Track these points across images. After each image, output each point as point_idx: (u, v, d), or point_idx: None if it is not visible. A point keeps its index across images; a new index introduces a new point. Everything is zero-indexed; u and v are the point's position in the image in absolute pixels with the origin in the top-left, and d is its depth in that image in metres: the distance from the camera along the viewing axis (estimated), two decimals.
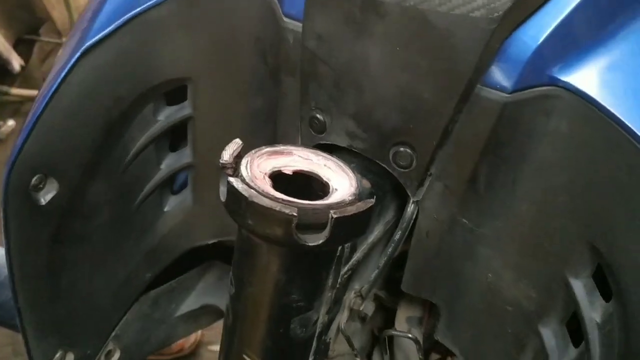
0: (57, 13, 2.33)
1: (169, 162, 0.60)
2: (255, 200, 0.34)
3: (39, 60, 2.50)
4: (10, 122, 2.20)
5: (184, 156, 0.60)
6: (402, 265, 0.53)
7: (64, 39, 2.27)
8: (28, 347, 0.61)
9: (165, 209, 0.63)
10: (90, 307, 0.64)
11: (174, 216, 0.63)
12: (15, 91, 2.22)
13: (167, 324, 0.73)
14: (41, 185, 0.54)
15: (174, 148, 0.61)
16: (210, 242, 0.66)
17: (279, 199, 0.34)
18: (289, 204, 0.34)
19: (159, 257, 0.65)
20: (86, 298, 0.63)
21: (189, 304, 0.74)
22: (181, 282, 0.72)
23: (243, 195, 0.34)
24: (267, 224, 0.34)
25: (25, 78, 2.34)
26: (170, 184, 0.64)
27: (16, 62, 2.17)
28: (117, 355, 0.69)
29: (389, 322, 0.63)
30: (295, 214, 0.33)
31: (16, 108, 2.32)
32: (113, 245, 0.62)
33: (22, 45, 2.34)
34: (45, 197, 0.54)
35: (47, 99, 0.51)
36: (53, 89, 0.51)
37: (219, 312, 0.76)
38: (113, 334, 0.68)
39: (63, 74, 0.51)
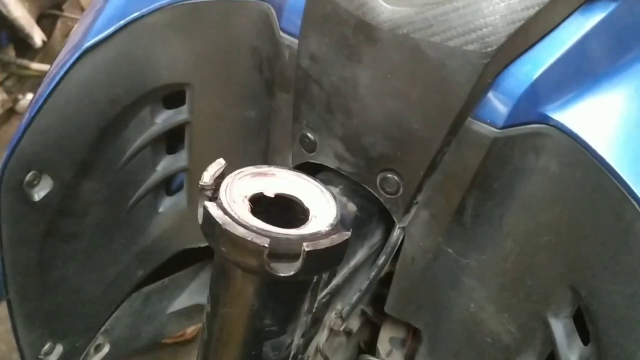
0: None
1: (165, 165, 0.60)
2: (229, 228, 0.34)
3: (62, 35, 2.51)
4: (29, 96, 2.22)
5: (180, 159, 0.60)
6: (389, 283, 0.53)
7: None
8: (17, 338, 0.62)
9: (160, 210, 0.63)
10: (79, 301, 0.65)
11: (168, 218, 0.64)
12: (36, 66, 2.22)
13: (158, 321, 0.73)
14: (35, 182, 0.55)
15: (171, 151, 0.61)
16: (203, 245, 0.66)
17: (253, 227, 0.34)
18: (262, 233, 0.34)
19: (151, 256, 0.66)
20: (76, 293, 0.64)
21: (181, 301, 0.75)
22: (174, 280, 0.73)
23: (217, 222, 0.34)
24: (239, 253, 0.34)
25: (46, 53, 2.36)
26: (166, 186, 0.64)
27: (38, 37, 2.17)
28: (106, 349, 0.70)
29: (375, 336, 0.63)
30: (266, 245, 0.33)
31: (35, 82, 2.33)
32: (105, 243, 0.63)
33: (45, 20, 2.35)
34: (39, 193, 0.55)
35: (44, 97, 0.52)
36: (50, 87, 0.52)
37: None
38: (103, 328, 0.69)
39: (62, 73, 0.52)
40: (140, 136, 0.57)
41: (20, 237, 0.57)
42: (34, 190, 0.55)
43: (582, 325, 0.43)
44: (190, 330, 1.53)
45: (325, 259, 0.36)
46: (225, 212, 0.35)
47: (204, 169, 0.60)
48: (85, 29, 0.54)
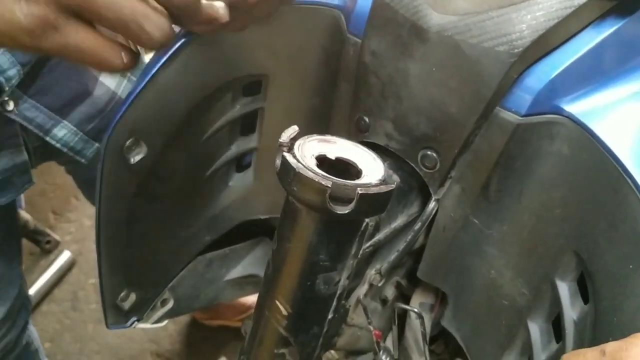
0: None
1: (239, 144, 0.71)
2: (301, 172, 0.43)
3: None
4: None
5: (252, 140, 0.71)
6: (420, 257, 0.62)
7: None
8: (101, 283, 0.73)
9: (230, 184, 0.74)
10: (154, 257, 0.76)
11: (236, 191, 0.74)
12: None
13: (216, 285, 0.84)
14: (133, 147, 0.66)
15: (243, 132, 0.72)
16: (263, 217, 0.76)
17: (319, 174, 0.44)
18: (326, 178, 0.44)
19: (218, 224, 0.76)
20: (152, 249, 0.75)
21: (237, 271, 0.85)
22: (233, 251, 0.83)
23: (292, 167, 0.44)
24: (308, 192, 0.43)
25: None
26: (236, 163, 0.75)
27: None
28: (170, 303, 0.80)
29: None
30: (329, 186, 0.43)
31: None
32: (181, 207, 0.73)
33: None
34: (135, 157, 0.66)
35: (147, 78, 0.63)
36: (154, 71, 0.63)
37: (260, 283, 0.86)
38: (170, 284, 0.79)
39: (164, 59, 0.63)
40: (220, 117, 0.68)
41: (115, 194, 0.68)
42: (131, 154, 0.66)
43: (583, 289, 0.51)
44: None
45: (374, 204, 0.45)
46: (299, 161, 0.45)
47: (272, 149, 0.71)
48: None
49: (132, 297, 0.75)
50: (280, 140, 0.47)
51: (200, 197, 0.73)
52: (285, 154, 0.46)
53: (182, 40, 0.62)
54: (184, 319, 1.72)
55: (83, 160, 0.94)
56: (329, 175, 0.44)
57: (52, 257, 1.90)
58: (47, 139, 0.89)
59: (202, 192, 0.73)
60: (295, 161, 0.45)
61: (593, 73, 0.48)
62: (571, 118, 0.48)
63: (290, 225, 0.48)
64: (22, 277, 1.05)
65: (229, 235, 0.80)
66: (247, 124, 0.72)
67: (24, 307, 1.05)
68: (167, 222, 0.73)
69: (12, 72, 0.77)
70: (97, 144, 0.95)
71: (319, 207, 0.44)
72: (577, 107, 0.48)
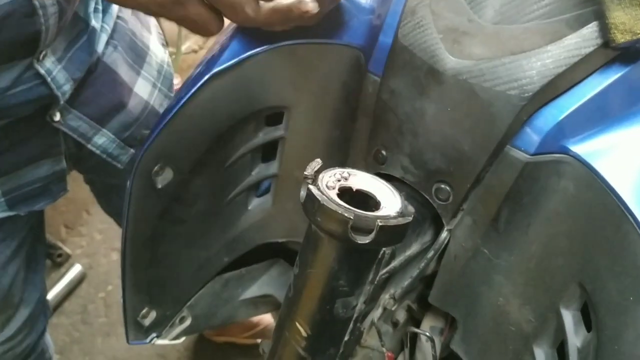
0: (168, 25, 2.58)
1: (259, 171, 0.75)
2: (325, 203, 0.47)
3: None
4: None
5: (272, 167, 0.74)
6: (432, 284, 0.65)
7: (170, 49, 2.51)
8: (124, 299, 0.76)
9: (249, 208, 0.77)
10: (175, 277, 0.79)
11: (255, 215, 0.78)
12: None
13: (232, 304, 0.87)
14: (160, 172, 0.69)
15: (264, 160, 0.76)
16: (280, 240, 0.79)
17: (341, 206, 0.47)
18: (348, 210, 0.47)
19: (237, 246, 0.79)
20: (174, 269, 0.78)
21: (253, 291, 0.88)
22: (250, 271, 0.86)
23: (317, 199, 0.47)
24: (330, 222, 0.47)
25: None
26: (256, 188, 0.78)
27: None
28: (188, 321, 0.83)
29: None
30: (352, 217, 0.46)
31: None
32: (203, 230, 0.77)
33: None
34: (162, 182, 0.69)
35: (177, 108, 0.67)
36: (183, 101, 0.67)
37: (276, 303, 0.89)
38: (189, 303, 0.82)
39: (193, 90, 0.67)
40: (244, 145, 0.72)
41: (141, 215, 0.71)
42: (159, 178, 0.69)
43: (587, 318, 0.54)
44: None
45: (392, 235, 0.48)
46: (322, 193, 0.49)
47: (291, 176, 0.75)
48: (212, 58, 0.69)
49: (153, 314, 0.79)
50: (305, 173, 0.51)
51: (221, 220, 0.76)
52: (310, 186, 0.49)
53: (211, 73, 0.66)
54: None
55: (119, 166, 1.01)
56: (350, 207, 0.48)
57: (63, 270, 1.93)
58: (89, 146, 0.95)
59: (223, 215, 0.76)
60: (319, 193, 0.48)
61: (599, 116, 0.52)
62: (577, 158, 0.51)
63: (312, 252, 0.52)
64: (44, 283, 1.09)
65: (245, 256, 0.84)
66: (268, 150, 0.75)
67: (43, 313, 1.09)
68: (189, 243, 0.76)
69: (66, 87, 0.84)
70: (132, 150, 1.01)
71: (341, 237, 0.47)
72: (582, 147, 0.51)
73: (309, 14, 0.53)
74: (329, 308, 0.53)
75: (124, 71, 0.98)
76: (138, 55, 1.01)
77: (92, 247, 2.06)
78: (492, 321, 0.61)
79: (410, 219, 0.49)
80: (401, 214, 0.50)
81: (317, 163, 0.52)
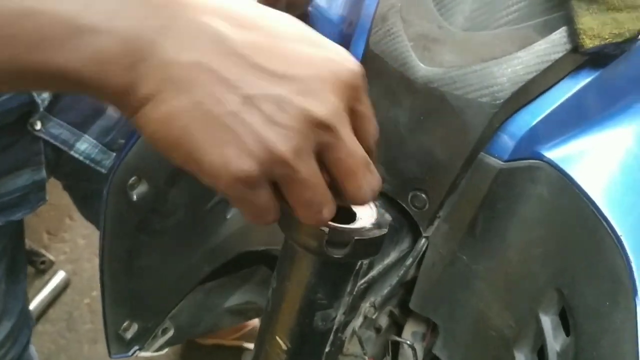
0: None
1: None
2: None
3: None
4: None
5: None
6: (412, 289, 0.65)
7: None
8: (104, 314, 0.76)
9: (228, 217, 0.77)
10: (156, 288, 0.78)
11: (234, 223, 0.77)
12: None
13: (215, 313, 0.86)
14: (135, 185, 0.69)
15: None
16: (260, 249, 0.79)
17: None
18: (324, 225, 0.47)
19: (217, 255, 0.79)
20: (154, 281, 0.78)
21: (236, 299, 0.87)
22: (231, 279, 0.86)
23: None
24: (306, 237, 0.46)
25: None
26: None
27: None
28: (171, 332, 0.83)
29: (400, 336, 0.75)
30: (327, 232, 0.46)
31: None
32: (182, 240, 0.76)
33: None
34: (137, 194, 0.69)
35: None
36: None
37: (258, 309, 0.89)
38: (170, 314, 0.82)
39: None
40: None
41: (118, 229, 0.71)
42: (134, 191, 0.69)
43: (565, 322, 0.54)
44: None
45: (367, 248, 0.48)
46: None
47: None
48: None
49: (134, 327, 0.78)
50: None
51: (200, 230, 0.76)
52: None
53: None
54: None
55: (103, 170, 1.00)
56: None
57: (47, 278, 1.91)
58: (72, 152, 0.95)
59: (202, 225, 0.76)
60: None
61: (571, 121, 0.52)
62: (550, 163, 0.51)
63: (289, 266, 0.51)
64: (25, 294, 1.08)
65: (227, 264, 0.83)
66: None
67: (26, 324, 1.08)
68: (169, 255, 0.76)
69: (45, 94, 0.82)
70: (114, 154, 1.01)
71: (317, 251, 0.47)
72: (555, 153, 0.51)
73: None
74: (308, 321, 0.52)
75: None
76: None
77: (75, 253, 2.04)
78: (473, 326, 0.61)
79: (386, 230, 0.49)
80: (377, 225, 0.50)
81: None
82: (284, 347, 0.54)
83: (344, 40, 0.61)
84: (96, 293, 1.93)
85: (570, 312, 0.52)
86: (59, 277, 1.91)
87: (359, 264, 0.52)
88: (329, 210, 0.40)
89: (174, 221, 0.73)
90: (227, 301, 0.87)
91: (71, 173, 1.06)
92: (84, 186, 1.17)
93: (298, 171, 0.36)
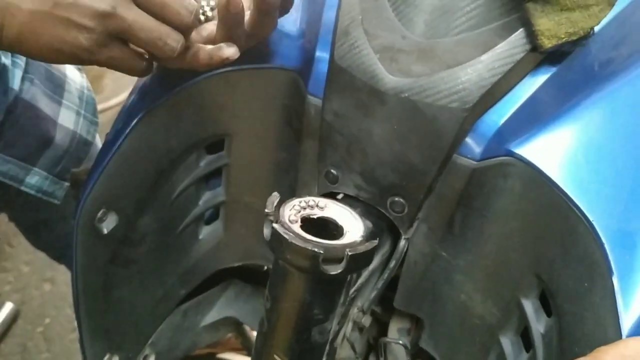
0: None
1: (206, 199, 0.74)
2: (294, 241, 0.47)
3: None
4: None
5: (218, 195, 0.74)
6: (394, 286, 0.67)
7: None
8: (83, 349, 0.74)
9: (200, 237, 0.76)
10: (133, 318, 0.77)
11: (207, 243, 0.77)
12: None
13: (193, 333, 0.86)
14: (104, 218, 0.67)
15: (210, 187, 0.74)
16: (235, 264, 0.79)
17: (310, 241, 0.48)
18: (317, 245, 0.47)
19: (192, 277, 0.78)
20: (130, 311, 0.76)
21: (212, 316, 0.87)
22: (206, 297, 0.85)
23: (284, 237, 0.47)
24: (301, 259, 0.47)
25: None
26: (203, 217, 0.77)
27: None
28: (152, 358, 0.82)
29: (382, 333, 0.77)
30: (322, 252, 0.47)
31: None
32: (155, 267, 0.75)
33: None
34: (107, 227, 0.67)
35: (111, 153, 0.64)
36: (118, 143, 0.64)
37: (236, 323, 0.89)
38: (150, 341, 0.81)
39: (127, 130, 0.64)
40: (187, 177, 0.70)
41: (90, 263, 0.69)
42: (103, 224, 0.67)
43: (545, 305, 0.57)
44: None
45: (361, 261, 0.49)
46: (289, 230, 0.49)
47: (239, 201, 0.74)
48: (143, 94, 0.67)
49: (115, 359, 0.76)
50: (266, 210, 0.50)
51: (173, 254, 0.75)
52: (274, 225, 0.49)
53: (142, 111, 0.64)
54: None
55: (56, 201, 0.98)
56: (318, 240, 0.48)
57: None
58: (22, 187, 0.92)
59: (174, 249, 0.75)
60: (284, 230, 0.48)
61: (535, 116, 0.55)
62: (520, 159, 0.54)
63: (282, 287, 0.52)
64: None
65: (200, 284, 0.83)
66: (214, 177, 0.74)
67: None
68: (143, 283, 0.75)
69: None
70: (66, 184, 0.98)
71: (312, 271, 0.48)
72: (524, 148, 0.54)
73: (229, 60, 0.55)
74: (306, 337, 0.53)
75: (45, 104, 0.93)
76: (56, 85, 0.96)
77: (20, 281, 1.96)
78: (457, 317, 0.64)
79: (376, 242, 0.50)
80: (366, 237, 0.51)
81: (275, 197, 0.52)
82: None
83: (306, 54, 0.62)
84: (49, 320, 1.87)
85: (551, 295, 0.55)
86: (7, 308, 1.83)
87: (350, 276, 0.53)
88: (173, 39, 0.52)
89: (146, 249, 0.72)
90: (204, 319, 0.87)
91: (21, 205, 1.03)
92: (34, 216, 1.13)
93: (125, 17, 0.50)
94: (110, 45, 0.52)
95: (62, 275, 1.93)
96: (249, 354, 1.29)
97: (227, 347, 1.64)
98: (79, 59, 0.52)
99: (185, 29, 0.53)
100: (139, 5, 0.50)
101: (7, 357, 1.77)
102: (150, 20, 0.51)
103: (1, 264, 2.00)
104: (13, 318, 1.84)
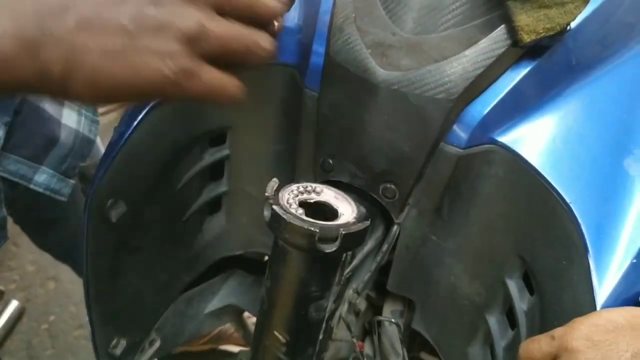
0: None
1: (209, 190, 0.77)
2: (291, 221, 0.51)
3: None
4: None
5: (221, 185, 0.77)
6: (387, 271, 0.71)
7: None
8: (93, 333, 0.78)
9: (204, 226, 0.80)
10: (140, 304, 0.81)
11: (210, 232, 0.80)
12: None
13: (197, 320, 0.89)
14: (113, 206, 0.71)
15: (213, 178, 0.78)
16: (237, 253, 0.83)
17: (306, 221, 0.51)
18: (313, 224, 0.51)
19: (196, 264, 0.82)
20: (137, 296, 0.80)
21: (215, 303, 0.91)
22: (210, 285, 0.89)
23: (283, 218, 0.51)
24: (298, 237, 0.51)
25: None
26: (208, 207, 0.81)
27: None
28: (157, 344, 0.85)
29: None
30: (317, 230, 0.50)
31: None
32: (161, 254, 0.79)
33: None
34: (116, 215, 0.71)
35: (120, 144, 0.68)
36: (126, 136, 0.68)
37: (238, 311, 0.93)
38: (155, 326, 0.84)
39: (135, 123, 0.68)
40: (191, 169, 0.74)
41: (99, 250, 0.73)
42: (112, 213, 0.71)
43: (528, 284, 0.61)
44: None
45: (354, 240, 0.53)
46: (287, 211, 0.52)
47: (241, 191, 0.78)
48: None
49: (123, 343, 0.80)
50: (266, 194, 0.54)
51: (178, 242, 0.79)
52: (274, 206, 0.53)
53: (150, 104, 0.68)
54: None
55: (63, 198, 1.02)
56: (314, 220, 0.52)
57: (0, 309, 1.87)
58: (31, 186, 0.96)
59: (179, 237, 0.78)
60: (283, 212, 0.52)
61: (517, 107, 0.58)
62: (503, 146, 0.58)
63: (282, 266, 0.56)
64: None
65: (204, 272, 0.86)
66: (216, 169, 0.78)
67: None
68: (149, 269, 0.78)
69: (1, 132, 0.83)
70: (72, 181, 1.03)
71: (309, 249, 0.51)
72: (507, 136, 0.58)
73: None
74: (304, 313, 0.57)
75: (48, 105, 0.98)
76: None
77: (26, 279, 2.00)
78: (447, 298, 0.67)
79: (369, 223, 0.54)
80: (359, 219, 0.55)
81: (274, 182, 0.56)
82: (282, 340, 0.58)
83: (302, 49, 0.65)
84: (53, 317, 1.90)
85: (533, 274, 0.59)
86: (13, 306, 1.86)
87: (345, 255, 0.57)
88: (263, 40, 0.45)
89: (152, 237, 0.76)
90: (208, 307, 0.90)
91: (27, 205, 1.07)
92: (40, 216, 1.17)
93: (212, 30, 0.41)
94: (201, 73, 0.42)
95: (66, 273, 1.97)
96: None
97: (229, 342, 1.68)
98: (165, 94, 0.42)
99: (276, 18, 0.47)
100: (222, 13, 0.43)
101: (13, 353, 1.81)
102: (238, 26, 0.43)
103: (6, 263, 2.04)
104: (18, 315, 1.88)
